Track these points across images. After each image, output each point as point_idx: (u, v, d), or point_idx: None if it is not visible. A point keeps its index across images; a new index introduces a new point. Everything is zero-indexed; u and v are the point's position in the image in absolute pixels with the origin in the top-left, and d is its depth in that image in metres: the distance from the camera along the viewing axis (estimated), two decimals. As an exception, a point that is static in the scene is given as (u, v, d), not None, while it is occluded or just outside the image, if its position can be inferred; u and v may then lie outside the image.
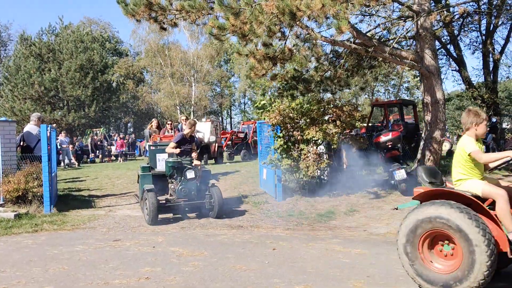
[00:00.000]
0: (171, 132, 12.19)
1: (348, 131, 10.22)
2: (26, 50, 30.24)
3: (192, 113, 40.23)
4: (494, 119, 17.07)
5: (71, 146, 21.55)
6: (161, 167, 9.04)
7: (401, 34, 12.47)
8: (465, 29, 18.21)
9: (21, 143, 9.95)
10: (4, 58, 43.46)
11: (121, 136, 28.19)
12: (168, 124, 12.97)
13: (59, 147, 18.26)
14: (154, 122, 12.61)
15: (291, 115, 9.55)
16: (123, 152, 24.70)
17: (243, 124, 28.39)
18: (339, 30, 7.31)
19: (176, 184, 8.14)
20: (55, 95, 30.63)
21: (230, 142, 21.18)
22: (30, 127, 10.08)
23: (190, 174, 7.98)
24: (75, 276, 4.75)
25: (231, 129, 57.92)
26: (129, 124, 50.58)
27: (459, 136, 19.43)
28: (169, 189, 8.38)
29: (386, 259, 5.27)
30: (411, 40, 13.15)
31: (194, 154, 8.52)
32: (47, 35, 33.59)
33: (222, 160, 19.30)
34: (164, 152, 8.84)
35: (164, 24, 9.81)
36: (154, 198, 7.73)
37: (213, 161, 18.20)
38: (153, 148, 9.34)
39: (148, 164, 9.39)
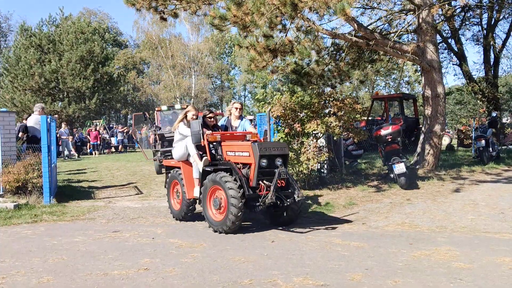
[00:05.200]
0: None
1: (351, 125, 10.21)
2: (26, 41, 30.10)
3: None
4: (494, 114, 17.06)
5: (70, 137, 21.54)
6: None
7: (402, 28, 12.44)
8: (467, 23, 18.16)
9: (21, 134, 9.96)
10: (4, 49, 43.32)
11: (119, 127, 28.10)
12: (209, 117, 7.57)
13: (58, 138, 18.25)
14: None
15: (292, 107, 9.53)
16: (98, 145, 24.11)
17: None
18: (343, 12, 7.16)
19: None
20: (55, 86, 30.55)
21: None
22: (36, 118, 10.09)
23: None
24: (74, 267, 4.76)
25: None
26: (129, 116, 50.51)
27: (459, 131, 19.47)
28: None
29: (385, 252, 5.29)
30: (412, 33, 13.11)
31: None
32: (48, 26, 33.45)
33: None
34: None
35: (164, 14, 9.76)
36: None
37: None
38: None
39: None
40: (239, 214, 6.13)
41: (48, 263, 4.93)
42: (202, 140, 6.85)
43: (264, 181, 6.35)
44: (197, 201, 7.09)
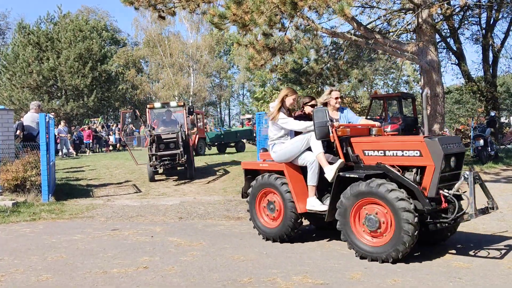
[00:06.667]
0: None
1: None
2: (24, 39, 30.03)
3: (191, 104, 40.17)
4: (492, 113, 17.09)
5: (69, 135, 21.51)
6: None
7: (401, 27, 12.44)
8: (466, 22, 18.19)
9: (18, 132, 9.94)
10: (2, 47, 43.20)
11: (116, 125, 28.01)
12: (312, 105, 6.09)
13: (57, 136, 18.23)
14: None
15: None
16: (92, 143, 23.87)
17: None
18: (342, 13, 7.16)
19: None
20: (53, 84, 30.49)
21: None
22: (32, 116, 10.06)
23: None
24: (73, 265, 4.76)
25: (229, 121, 57.47)
26: (127, 114, 50.35)
27: (457, 130, 19.50)
28: None
29: (384, 251, 5.28)
30: (412, 32, 13.13)
31: None
32: (46, 24, 33.40)
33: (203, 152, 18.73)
34: None
35: (163, 12, 9.75)
36: None
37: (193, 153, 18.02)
38: None
39: None
40: (415, 235, 4.54)
41: (47, 261, 4.92)
42: (330, 134, 5.09)
43: (445, 190, 4.78)
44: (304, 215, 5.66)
